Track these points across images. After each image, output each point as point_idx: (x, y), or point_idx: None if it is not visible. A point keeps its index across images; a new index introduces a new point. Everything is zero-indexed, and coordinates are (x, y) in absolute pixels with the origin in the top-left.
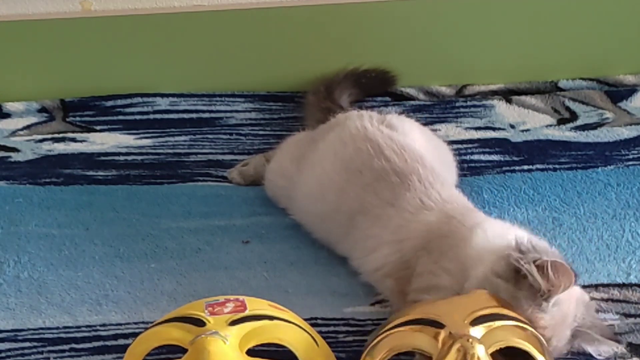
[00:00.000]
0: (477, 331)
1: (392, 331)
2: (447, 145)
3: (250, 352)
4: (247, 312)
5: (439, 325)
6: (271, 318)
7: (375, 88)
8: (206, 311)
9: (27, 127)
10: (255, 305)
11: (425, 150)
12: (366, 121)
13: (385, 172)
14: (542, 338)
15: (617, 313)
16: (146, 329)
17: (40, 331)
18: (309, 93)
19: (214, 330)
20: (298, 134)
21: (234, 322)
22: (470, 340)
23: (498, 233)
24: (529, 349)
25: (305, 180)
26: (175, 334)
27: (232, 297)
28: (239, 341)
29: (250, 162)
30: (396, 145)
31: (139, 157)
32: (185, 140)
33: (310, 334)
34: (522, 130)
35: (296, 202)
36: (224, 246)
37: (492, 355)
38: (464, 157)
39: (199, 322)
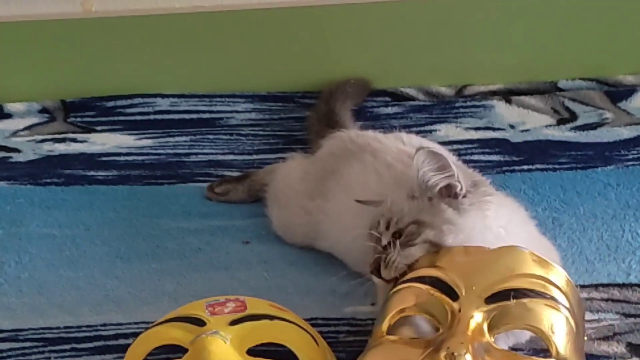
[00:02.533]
0: (486, 311)
1: (414, 284)
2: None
3: (250, 352)
4: (247, 312)
5: (454, 295)
6: (271, 318)
7: (359, 94)
8: (207, 311)
9: (28, 127)
10: (256, 305)
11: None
12: (399, 143)
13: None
14: (567, 315)
15: (617, 313)
16: (147, 329)
17: (41, 331)
18: (310, 115)
19: (215, 330)
20: (289, 170)
21: (234, 322)
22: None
23: None
24: (538, 332)
25: (341, 204)
26: (175, 334)
27: (232, 297)
28: (239, 341)
29: (230, 193)
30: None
31: (140, 158)
32: (185, 141)
33: (310, 334)
34: (522, 131)
35: (330, 228)
36: (224, 246)
37: None
38: (464, 158)
39: (200, 322)
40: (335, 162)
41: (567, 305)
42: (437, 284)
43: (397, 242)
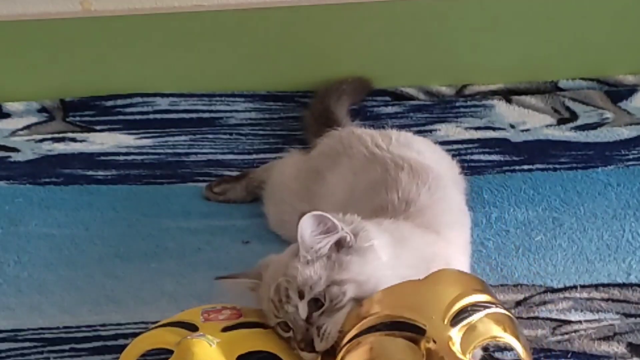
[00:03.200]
0: (457, 333)
1: (366, 336)
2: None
3: (243, 359)
4: (241, 320)
5: (418, 330)
6: (265, 326)
7: (357, 92)
8: (201, 317)
9: (27, 127)
10: (251, 313)
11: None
12: (381, 144)
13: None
14: (513, 317)
15: (617, 313)
16: (145, 330)
17: (40, 331)
18: (306, 114)
19: (201, 333)
20: (285, 167)
21: (226, 329)
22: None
23: None
24: (509, 340)
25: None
26: (166, 338)
27: (229, 305)
28: (229, 347)
29: (229, 192)
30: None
31: (139, 157)
32: (185, 140)
33: None
34: (522, 130)
35: None
36: (224, 246)
37: None
38: (464, 157)
39: (192, 328)
40: (324, 163)
41: (497, 302)
42: (393, 327)
43: (324, 309)
